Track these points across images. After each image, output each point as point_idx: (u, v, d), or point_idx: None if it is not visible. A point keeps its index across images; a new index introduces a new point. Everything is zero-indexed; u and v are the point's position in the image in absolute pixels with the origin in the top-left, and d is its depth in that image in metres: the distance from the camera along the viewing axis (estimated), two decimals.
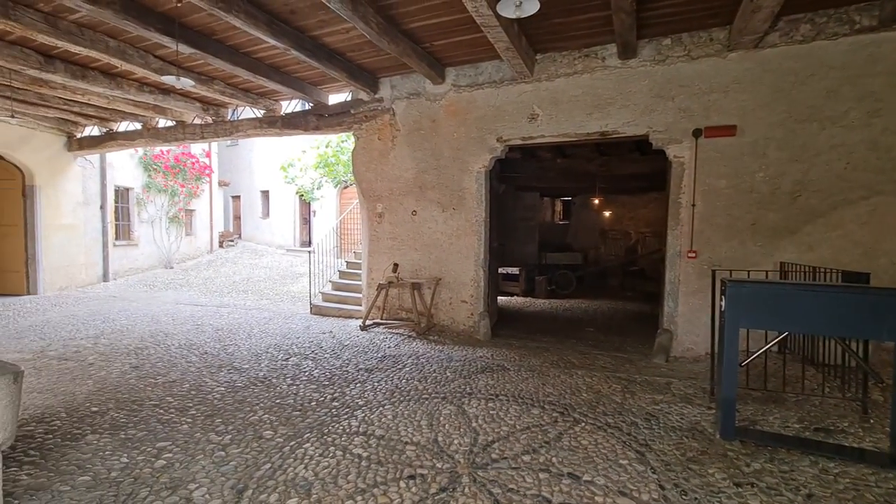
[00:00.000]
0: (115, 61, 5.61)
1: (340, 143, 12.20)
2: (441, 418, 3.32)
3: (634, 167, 8.78)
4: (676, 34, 4.90)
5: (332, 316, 7.39)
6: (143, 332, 6.16)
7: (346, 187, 13.76)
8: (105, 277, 10.95)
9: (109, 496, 2.35)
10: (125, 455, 2.78)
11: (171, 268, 13.06)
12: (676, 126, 4.97)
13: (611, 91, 5.24)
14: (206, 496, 2.34)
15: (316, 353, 5.10)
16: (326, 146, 12.32)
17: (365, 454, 2.78)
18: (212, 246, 15.30)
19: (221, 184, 16.59)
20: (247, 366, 4.63)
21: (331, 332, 6.23)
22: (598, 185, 10.41)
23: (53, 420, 3.29)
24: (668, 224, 5.14)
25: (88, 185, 10.52)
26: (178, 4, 4.47)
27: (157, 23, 4.65)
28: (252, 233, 17.58)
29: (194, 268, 13.24)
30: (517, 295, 10.12)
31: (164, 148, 11.90)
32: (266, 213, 17.31)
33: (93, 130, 9.78)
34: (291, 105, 7.66)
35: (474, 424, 3.23)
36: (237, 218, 18.50)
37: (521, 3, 3.16)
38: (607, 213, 13.02)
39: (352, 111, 6.86)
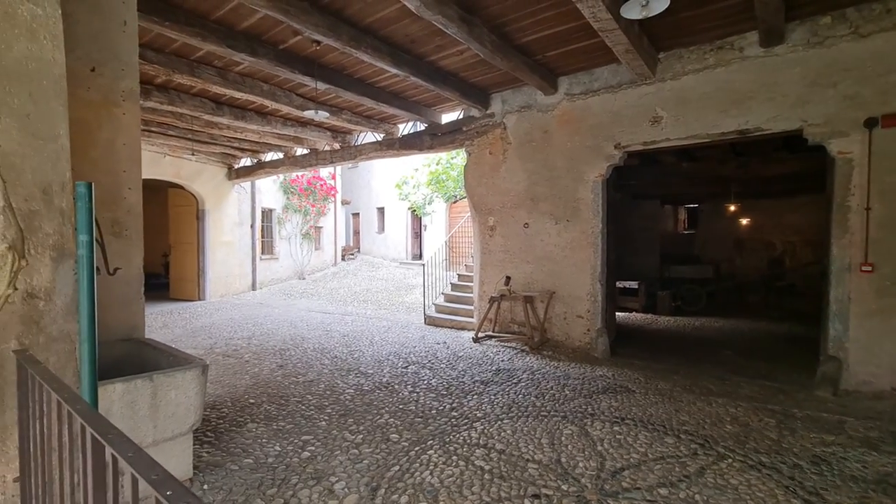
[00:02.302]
0: (266, 102, 6.56)
1: (450, 160, 12.67)
2: (563, 438, 3.20)
3: (780, 167, 7.64)
4: (839, 9, 4.19)
5: (445, 327, 7.61)
6: (285, 335, 6.99)
7: (455, 202, 14.21)
8: (253, 287, 12.71)
9: (268, 479, 2.68)
10: (277, 444, 3.16)
11: (304, 279, 14.67)
12: (841, 117, 4.23)
13: (751, 84, 4.66)
14: (345, 490, 2.55)
15: (433, 363, 5.29)
16: (437, 163, 12.90)
17: (487, 467, 2.79)
18: (336, 259, 16.87)
19: (344, 202, 18.27)
20: (371, 371, 4.97)
21: (444, 342, 6.42)
22: (734, 190, 9.26)
23: (222, 408, 3.89)
24: (830, 232, 4.36)
25: (242, 207, 12.38)
26: (317, 48, 5.10)
27: (300, 66, 5.35)
28: (369, 247, 19.00)
29: (322, 279, 14.70)
30: (636, 311, 9.39)
31: (299, 173, 13.52)
32: (381, 229, 18.60)
33: (246, 161, 11.52)
34: (407, 127, 8.19)
35: (599, 448, 3.04)
36: (356, 233, 20.18)
37: (647, 2, 2.98)
38: (744, 221, 11.49)
39: (463, 128, 7.09)
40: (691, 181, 8.93)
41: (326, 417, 3.64)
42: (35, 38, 1.80)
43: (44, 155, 1.82)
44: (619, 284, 8.97)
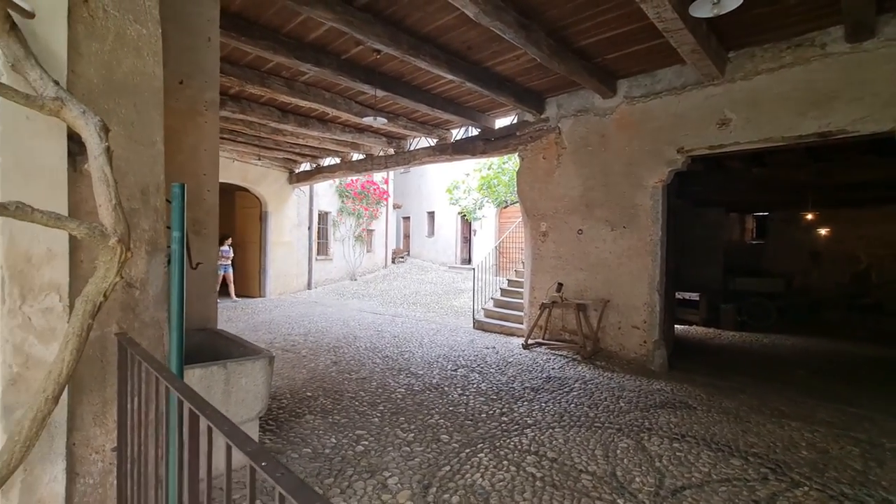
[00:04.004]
0: (328, 109, 6.88)
1: (502, 165, 12.64)
2: (618, 451, 3.09)
3: (866, 173, 6.98)
4: None
5: (494, 332, 7.58)
6: (338, 333, 7.25)
7: (505, 207, 14.14)
8: (309, 286, 13.28)
9: (325, 469, 2.80)
10: (333, 437, 3.29)
11: (355, 280, 15.14)
12: None
13: (834, 83, 4.31)
14: (398, 485, 2.61)
15: (482, 367, 5.29)
16: (488, 168, 12.91)
17: (539, 474, 2.75)
18: (386, 262, 17.28)
19: (395, 206, 18.70)
20: (421, 372, 5.05)
21: (493, 347, 6.40)
22: (810, 198, 8.55)
23: (282, 399, 4.09)
24: None
25: (300, 210, 12.99)
26: (377, 56, 5.29)
27: (361, 74, 5.56)
28: (419, 250, 19.30)
29: (372, 280, 15.10)
30: (696, 324, 8.88)
31: (354, 177, 13.99)
32: (431, 233, 18.84)
33: (305, 166, 12.10)
34: (459, 132, 8.27)
35: (658, 464, 2.91)
36: (406, 237, 20.56)
37: (719, 0, 2.85)
38: (822, 231, 10.59)
39: (517, 133, 7.06)
40: (761, 188, 8.35)
41: (379, 414, 3.74)
42: (140, 54, 2.02)
43: (143, 159, 2.03)
44: (679, 295, 8.54)
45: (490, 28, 4.09)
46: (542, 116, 6.66)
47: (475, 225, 16.42)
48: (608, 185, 5.97)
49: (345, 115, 7.19)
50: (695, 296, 8.90)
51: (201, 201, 3.30)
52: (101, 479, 1.81)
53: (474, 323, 7.99)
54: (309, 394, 4.25)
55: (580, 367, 5.37)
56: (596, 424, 3.58)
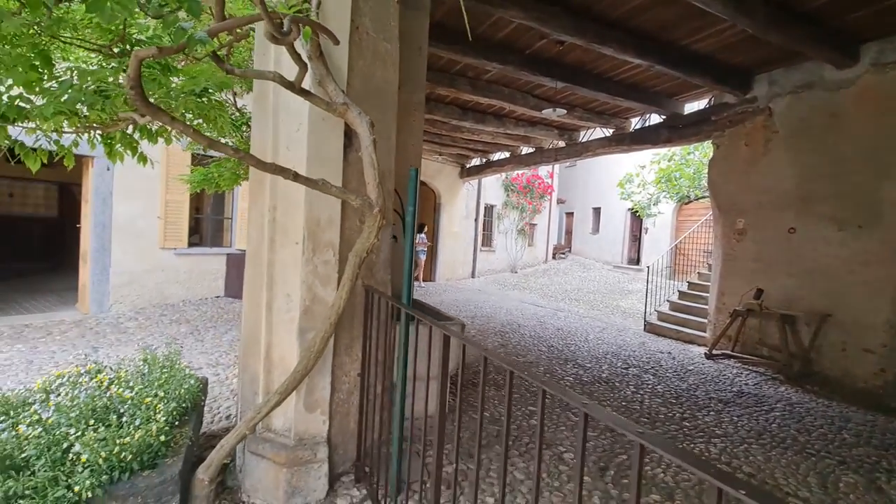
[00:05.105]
0: (505, 104, 7.20)
1: (686, 156, 11.34)
2: (840, 485, 2.61)
3: None
4: None
5: (668, 337, 6.96)
6: (503, 319, 7.58)
7: (687, 203, 12.66)
8: (473, 275, 14.09)
9: (503, 432, 3.05)
10: (502, 408, 3.53)
11: (515, 272, 15.46)
12: None
13: None
14: (572, 461, 2.70)
15: (656, 370, 4.95)
16: (668, 160, 11.72)
17: None
18: (547, 256, 17.18)
19: (559, 201, 18.40)
20: (589, 365, 4.98)
21: (669, 352, 5.90)
22: None
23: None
24: None
25: (469, 203, 13.84)
26: (560, 48, 5.34)
27: (542, 67, 5.68)
28: (581, 247, 18.64)
29: (532, 274, 15.21)
30: None
31: (520, 171, 14.25)
32: (596, 230, 17.99)
33: (475, 161, 12.81)
34: (640, 121, 7.73)
35: None
36: (568, 233, 20.03)
37: None
38: None
39: (712, 118, 6.30)
40: None
41: (549, 397, 3.86)
42: (385, 66, 2.51)
43: (384, 150, 2.51)
44: None
45: (692, 3, 3.77)
46: (748, 97, 5.79)
47: (647, 222, 15.09)
48: (837, 174, 4.91)
49: (520, 109, 7.41)
50: None
51: (406, 190, 3.87)
52: (347, 396, 2.35)
53: (645, 325, 7.46)
54: (481, 368, 4.60)
55: (782, 388, 4.60)
56: (808, 451, 3.06)
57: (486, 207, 14.70)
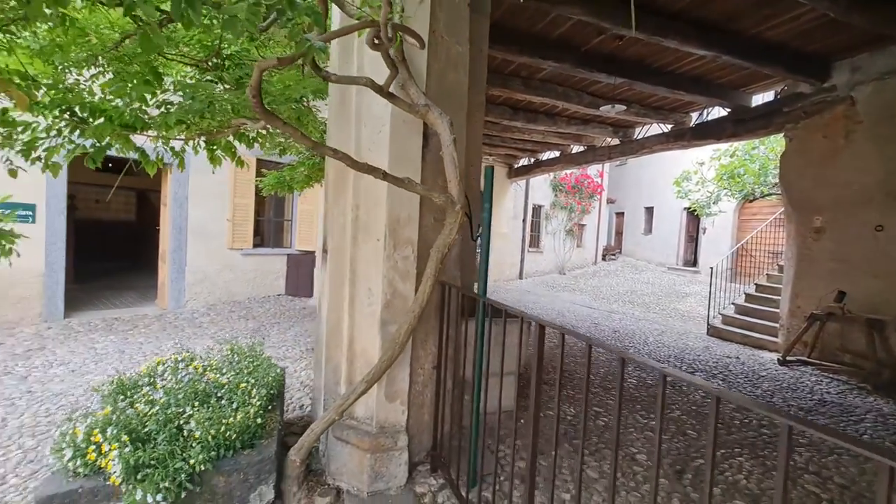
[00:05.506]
0: (557, 103, 7.11)
1: (749, 151, 10.71)
2: None
3: None
4: None
5: (734, 341, 6.61)
6: (554, 321, 7.48)
7: (751, 201, 11.95)
8: (520, 276, 13.98)
9: (571, 431, 3.04)
10: (571, 407, 3.51)
11: (564, 274, 15.18)
12: None
13: None
14: (647, 462, 2.65)
15: (725, 376, 4.73)
16: (731, 156, 11.11)
17: (825, 496, 2.38)
18: (596, 258, 16.75)
19: (609, 201, 17.89)
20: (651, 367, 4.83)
21: (737, 357, 5.61)
22: None
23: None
24: None
25: (517, 203, 13.75)
26: (619, 43, 5.22)
27: (599, 64, 5.58)
28: (632, 248, 18.02)
29: (582, 276, 14.88)
30: None
31: (570, 170, 14.00)
32: (648, 230, 17.34)
33: (523, 161, 12.71)
34: (700, 115, 7.40)
35: None
36: (618, 233, 19.43)
37: None
38: None
39: (784, 109, 5.93)
40: None
41: (612, 398, 3.79)
42: (456, 69, 2.57)
43: (459, 150, 2.58)
44: None
45: None
46: (825, 85, 5.42)
47: (705, 222, 14.38)
48: None
49: (573, 107, 7.30)
50: None
51: (469, 188, 3.93)
52: (422, 389, 2.42)
53: (708, 329, 7.12)
54: (560, 351, 4.58)
55: (870, 399, 4.26)
56: None
57: (533, 208, 14.55)
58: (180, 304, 6.85)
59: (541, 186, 14.54)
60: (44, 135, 1.69)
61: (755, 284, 7.58)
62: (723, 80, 6.20)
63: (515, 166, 12.99)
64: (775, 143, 10.12)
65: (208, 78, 2.54)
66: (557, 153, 11.16)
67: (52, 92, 1.64)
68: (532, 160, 12.27)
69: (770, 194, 10.57)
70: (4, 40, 1.54)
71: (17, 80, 1.46)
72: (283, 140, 2.90)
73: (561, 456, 2.69)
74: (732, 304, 7.44)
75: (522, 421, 3.10)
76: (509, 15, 4.81)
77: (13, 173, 1.59)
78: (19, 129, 1.61)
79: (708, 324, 7.16)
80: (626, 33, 4.67)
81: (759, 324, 6.61)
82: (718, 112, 7.09)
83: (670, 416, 3.43)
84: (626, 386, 4.14)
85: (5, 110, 1.56)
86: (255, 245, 7.95)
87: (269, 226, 8.56)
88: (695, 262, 14.94)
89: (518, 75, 6.46)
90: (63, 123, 1.71)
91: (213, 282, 7.24)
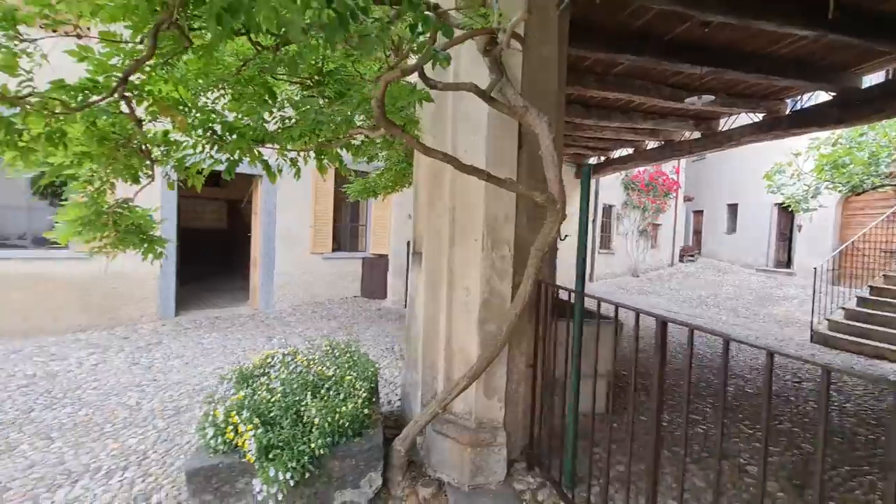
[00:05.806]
0: (633, 97, 6.83)
1: (856, 138, 9.57)
2: None
3: None
4: None
5: (846, 350, 5.94)
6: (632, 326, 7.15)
7: (858, 193, 10.67)
8: (591, 279, 13.52)
9: (668, 439, 2.90)
10: (665, 413, 3.34)
11: (637, 276, 14.47)
12: None
13: None
14: (759, 473, 2.46)
15: (840, 387, 4.27)
16: (833, 144, 9.98)
17: None
18: (672, 259, 15.80)
19: (686, 199, 16.83)
20: (749, 376, 4.49)
21: (851, 367, 5.04)
22: None
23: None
24: None
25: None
26: (706, 31, 4.92)
27: (683, 54, 5.29)
28: (713, 248, 16.80)
29: (657, 278, 14.10)
30: None
31: (642, 168, 13.34)
32: (732, 228, 16.07)
33: (592, 160, 12.31)
34: (793, 102, 6.76)
35: None
36: (697, 233, 18.19)
37: None
38: None
39: None
40: None
41: (710, 406, 3.57)
42: (546, 69, 2.58)
43: (557, 149, 2.59)
44: None
45: None
46: None
47: (800, 218, 13.04)
48: None
49: (650, 101, 6.98)
50: None
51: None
52: (517, 387, 2.45)
53: (812, 336, 6.46)
54: (624, 372, 4.42)
55: None
56: None
57: (604, 208, 14.04)
58: (270, 305, 7.40)
59: (611, 185, 14.00)
60: (191, 151, 1.93)
61: (868, 287, 6.76)
62: (826, 62, 5.62)
63: (584, 165, 12.61)
64: (888, 128, 8.96)
65: (312, 94, 2.75)
66: (630, 150, 10.70)
67: (199, 115, 1.88)
68: (602, 158, 11.86)
69: (882, 185, 9.37)
70: (163, 74, 1.79)
71: (178, 107, 1.69)
72: (380, 148, 3.07)
73: (662, 464, 2.58)
74: (842, 308, 6.68)
75: (615, 425, 3.01)
76: (583, 11, 4.71)
77: (171, 185, 1.85)
78: (174, 147, 1.86)
79: (812, 330, 6.50)
80: (716, 19, 4.39)
81: (876, 331, 5.89)
82: (816, 98, 6.43)
83: (779, 429, 3.16)
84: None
85: (166, 132, 1.81)
86: (334, 249, 8.40)
87: (345, 231, 9.01)
88: (788, 263, 13.61)
89: (593, 71, 6.29)
90: (205, 141, 1.95)
91: (297, 284, 7.75)
